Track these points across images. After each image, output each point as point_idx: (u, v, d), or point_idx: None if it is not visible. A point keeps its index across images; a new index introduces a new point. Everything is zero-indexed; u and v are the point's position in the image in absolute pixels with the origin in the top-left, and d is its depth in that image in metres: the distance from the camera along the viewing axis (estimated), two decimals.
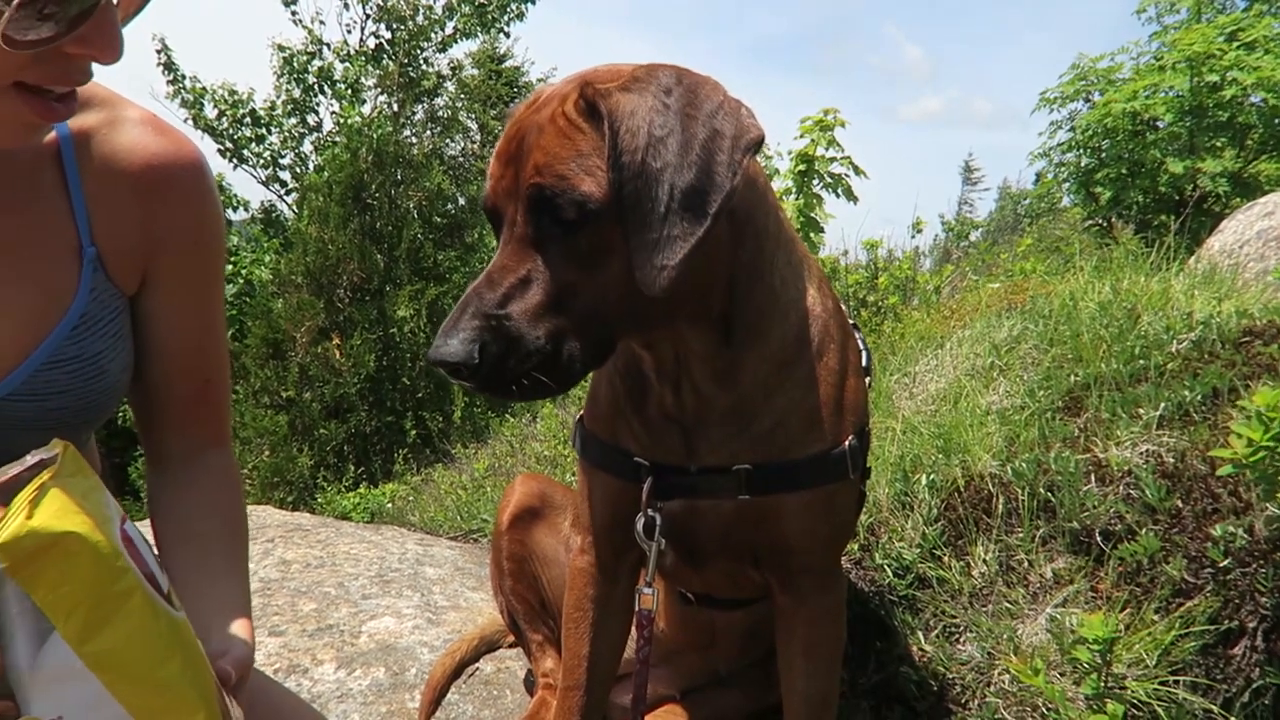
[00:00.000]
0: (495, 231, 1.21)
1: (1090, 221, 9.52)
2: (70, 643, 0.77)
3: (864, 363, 1.50)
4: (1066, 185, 10.98)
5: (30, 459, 0.81)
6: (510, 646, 2.31)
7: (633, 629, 1.67)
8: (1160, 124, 9.49)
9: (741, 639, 1.82)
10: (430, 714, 2.09)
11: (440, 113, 15.28)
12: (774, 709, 1.94)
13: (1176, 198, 9.18)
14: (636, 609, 1.42)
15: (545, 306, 1.13)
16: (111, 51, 0.93)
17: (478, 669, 2.26)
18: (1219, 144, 8.74)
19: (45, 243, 1.12)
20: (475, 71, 17.36)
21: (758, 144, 1.15)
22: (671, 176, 1.09)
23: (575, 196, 1.11)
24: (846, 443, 1.37)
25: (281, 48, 15.67)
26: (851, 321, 1.53)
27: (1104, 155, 10.06)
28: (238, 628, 1.12)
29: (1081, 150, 10.45)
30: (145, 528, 1.19)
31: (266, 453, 7.50)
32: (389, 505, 5.56)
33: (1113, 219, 8.70)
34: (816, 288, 1.39)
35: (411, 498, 5.36)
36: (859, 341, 1.51)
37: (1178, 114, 9.01)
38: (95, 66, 0.97)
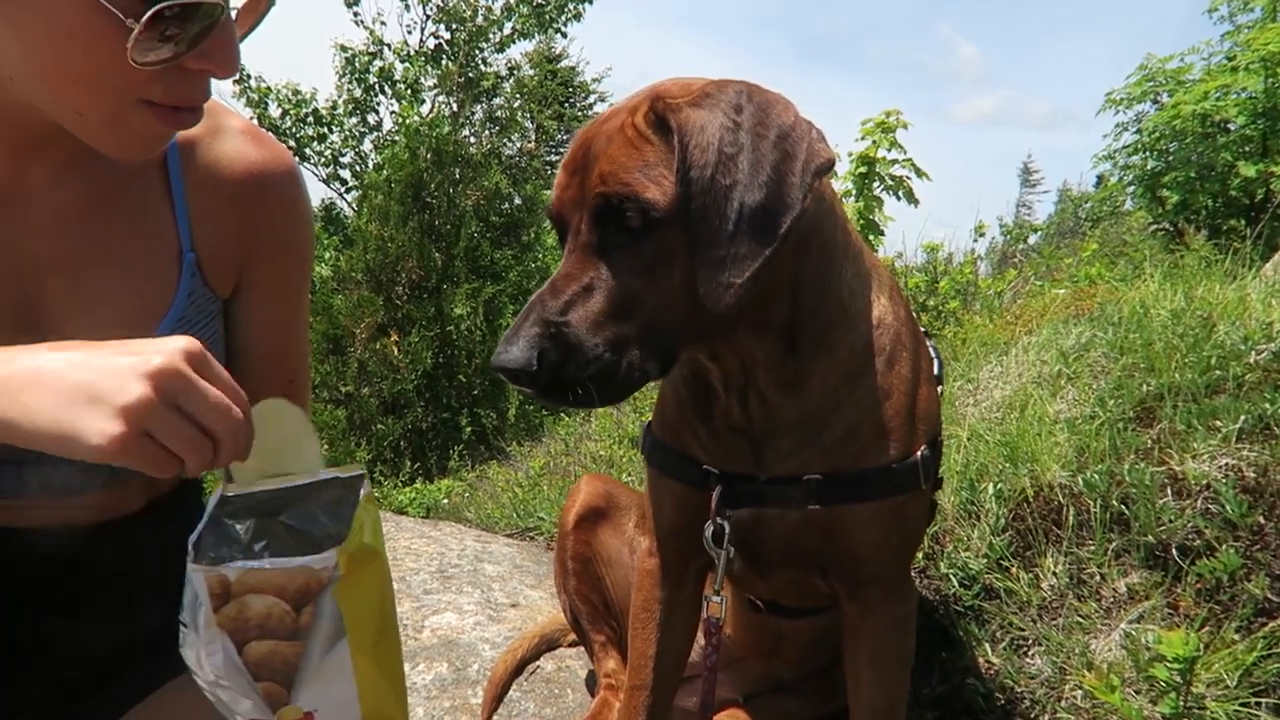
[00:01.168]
0: (560, 240, 1.22)
1: (1156, 226, 9.28)
2: (352, 652, 0.85)
3: (936, 371, 1.49)
4: (1131, 189, 10.71)
5: (342, 473, 0.95)
6: (571, 645, 2.32)
7: (699, 635, 1.67)
8: (1232, 126, 9.20)
9: (806, 647, 1.81)
10: (493, 710, 2.12)
11: (498, 113, 15.39)
12: (835, 716, 1.93)
13: (1248, 202, 8.92)
14: (704, 616, 1.42)
15: (607, 314, 1.13)
16: (229, 67, 0.96)
17: (539, 667, 2.28)
18: None
19: (147, 248, 1.16)
20: (532, 72, 17.48)
21: (828, 168, 1.15)
22: (741, 194, 1.10)
23: (640, 203, 1.11)
24: (919, 453, 1.35)
25: (344, 48, 15.92)
26: (923, 329, 1.52)
27: (1172, 158, 9.79)
28: None
29: (1148, 153, 10.18)
30: None
31: (326, 447, 7.63)
32: (445, 501, 5.63)
33: (1180, 223, 8.47)
34: (888, 296, 1.38)
35: (467, 494, 5.42)
36: (931, 349, 1.49)
37: (1251, 116, 8.74)
38: None
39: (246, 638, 0.82)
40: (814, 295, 1.28)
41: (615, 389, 1.15)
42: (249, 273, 1.25)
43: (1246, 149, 9.07)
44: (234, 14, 0.96)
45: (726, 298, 1.10)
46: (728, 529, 1.36)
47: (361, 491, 0.94)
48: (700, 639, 1.69)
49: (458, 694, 2.18)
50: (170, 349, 0.83)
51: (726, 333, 1.25)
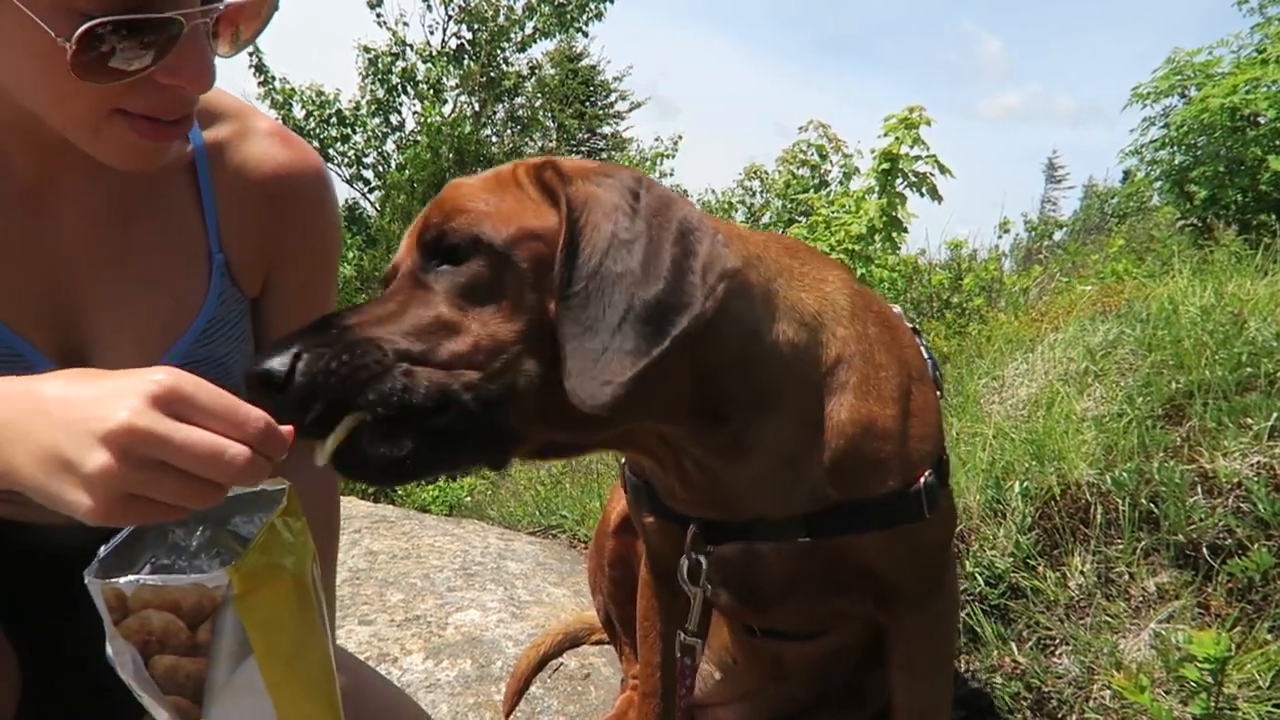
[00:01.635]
0: None
1: (1184, 221, 9.17)
2: (261, 668, 0.84)
3: (932, 373, 1.35)
4: (1158, 184, 10.57)
5: (268, 485, 0.91)
6: (595, 643, 2.32)
7: (715, 671, 1.65)
8: (1262, 119, 9.08)
9: (815, 669, 1.70)
10: (514, 705, 2.12)
11: (520, 112, 15.45)
12: None
13: (1278, 196, 8.79)
14: (678, 655, 1.36)
15: (408, 334, 0.97)
16: (200, 81, 0.96)
17: (563, 664, 2.28)
18: None
19: (178, 250, 1.17)
20: (553, 71, 17.52)
21: (732, 274, 1.04)
22: (632, 286, 0.97)
23: (468, 229, 1.01)
24: (921, 480, 1.22)
25: (366, 49, 16.03)
26: (911, 326, 1.41)
27: (1200, 152, 9.66)
28: None
29: (1176, 147, 10.05)
30: None
31: None
32: (468, 499, 5.65)
33: (1209, 219, 8.36)
34: (847, 325, 1.22)
35: (490, 492, 5.44)
36: (923, 349, 1.36)
37: None
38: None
39: (150, 651, 0.81)
40: (738, 373, 1.14)
41: (415, 462, 0.95)
42: (276, 273, 1.26)
43: (1277, 143, 8.94)
44: (210, 25, 0.94)
45: (602, 396, 0.94)
46: (704, 565, 1.26)
47: (279, 506, 0.90)
48: (716, 673, 1.67)
49: (481, 690, 2.19)
50: (135, 397, 0.74)
51: (595, 426, 1.06)
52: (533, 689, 2.18)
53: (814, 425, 1.18)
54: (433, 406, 0.94)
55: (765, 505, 1.21)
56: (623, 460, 1.44)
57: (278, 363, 0.89)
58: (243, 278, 1.22)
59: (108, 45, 0.87)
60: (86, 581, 0.79)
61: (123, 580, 0.79)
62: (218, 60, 0.99)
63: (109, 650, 0.81)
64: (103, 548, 0.83)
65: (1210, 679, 1.46)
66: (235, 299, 1.22)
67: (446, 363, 0.96)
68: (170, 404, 0.75)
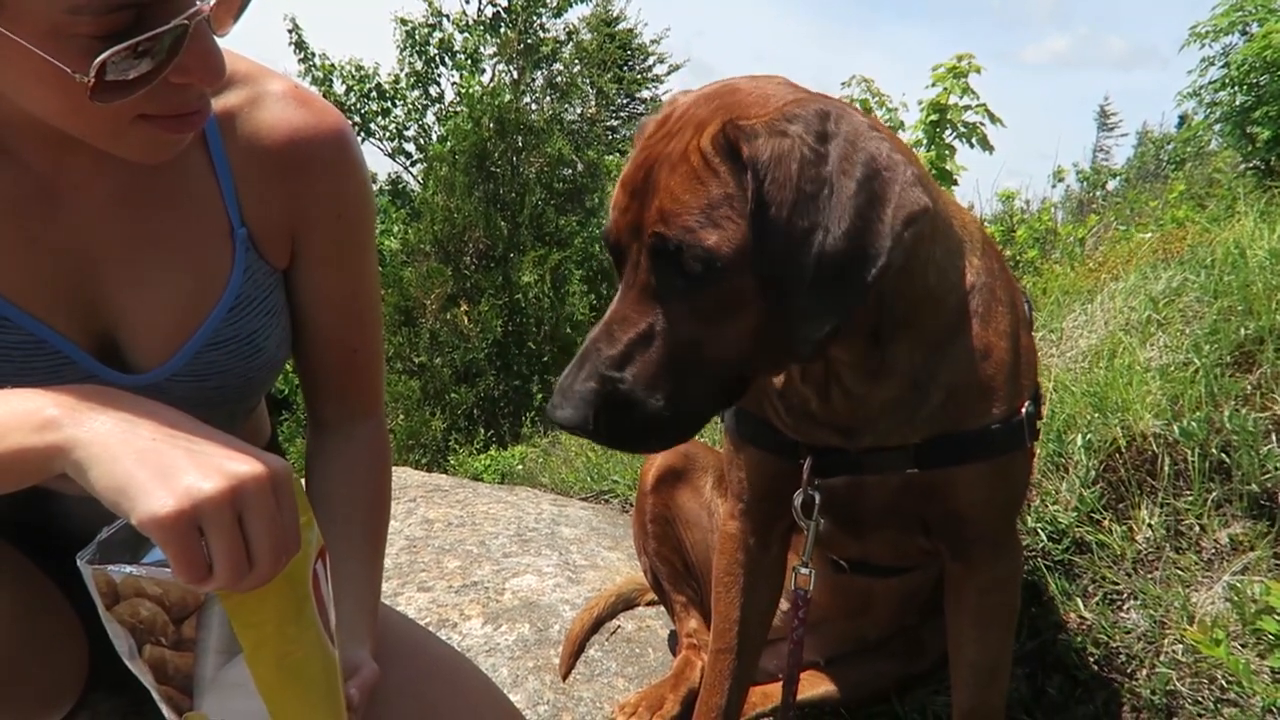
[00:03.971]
0: (618, 267, 1.13)
1: (1246, 165, 8.85)
2: (251, 667, 0.83)
3: (1029, 314, 1.40)
4: (1218, 127, 10.20)
5: None
6: (649, 605, 2.33)
7: (783, 602, 1.65)
8: None
9: (896, 605, 1.77)
10: (570, 666, 2.13)
11: (558, 78, 15.36)
12: (920, 677, 1.89)
13: None
14: (793, 588, 1.38)
15: (665, 365, 1.06)
16: (210, 75, 0.94)
17: (619, 627, 2.29)
18: None
19: (198, 228, 1.14)
20: (590, 36, 17.36)
21: (922, 215, 1.03)
22: (821, 241, 0.98)
23: (700, 252, 1.01)
24: (1023, 409, 1.27)
25: (403, 21, 16.03)
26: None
27: (1263, 91, 9.30)
28: (364, 635, 1.14)
29: (1236, 87, 9.67)
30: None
31: (401, 416, 7.78)
32: (519, 467, 5.69)
33: (1273, 160, 8.06)
34: (979, 256, 1.26)
35: (541, 459, 5.47)
36: (1024, 296, 1.41)
37: None
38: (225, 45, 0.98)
39: (141, 639, 0.81)
40: (897, 289, 1.16)
41: (678, 434, 1.12)
42: (303, 242, 1.22)
43: None
44: (209, 18, 0.92)
45: (804, 350, 1.04)
46: (818, 500, 1.31)
47: None
48: (784, 604, 1.67)
49: (540, 654, 2.20)
50: (266, 463, 0.80)
51: (805, 364, 1.20)
52: (590, 651, 2.19)
53: (942, 349, 1.22)
54: (694, 415, 1.12)
55: (888, 430, 1.26)
56: None
57: (582, 418, 1.05)
58: (269, 249, 1.19)
59: (122, 69, 0.86)
60: (79, 564, 0.79)
61: (111, 567, 0.79)
62: (227, 40, 0.97)
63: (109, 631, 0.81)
64: (104, 529, 0.83)
65: None
66: (263, 272, 1.19)
67: (703, 382, 1.09)
68: (278, 486, 0.81)
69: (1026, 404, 1.28)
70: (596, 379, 1.06)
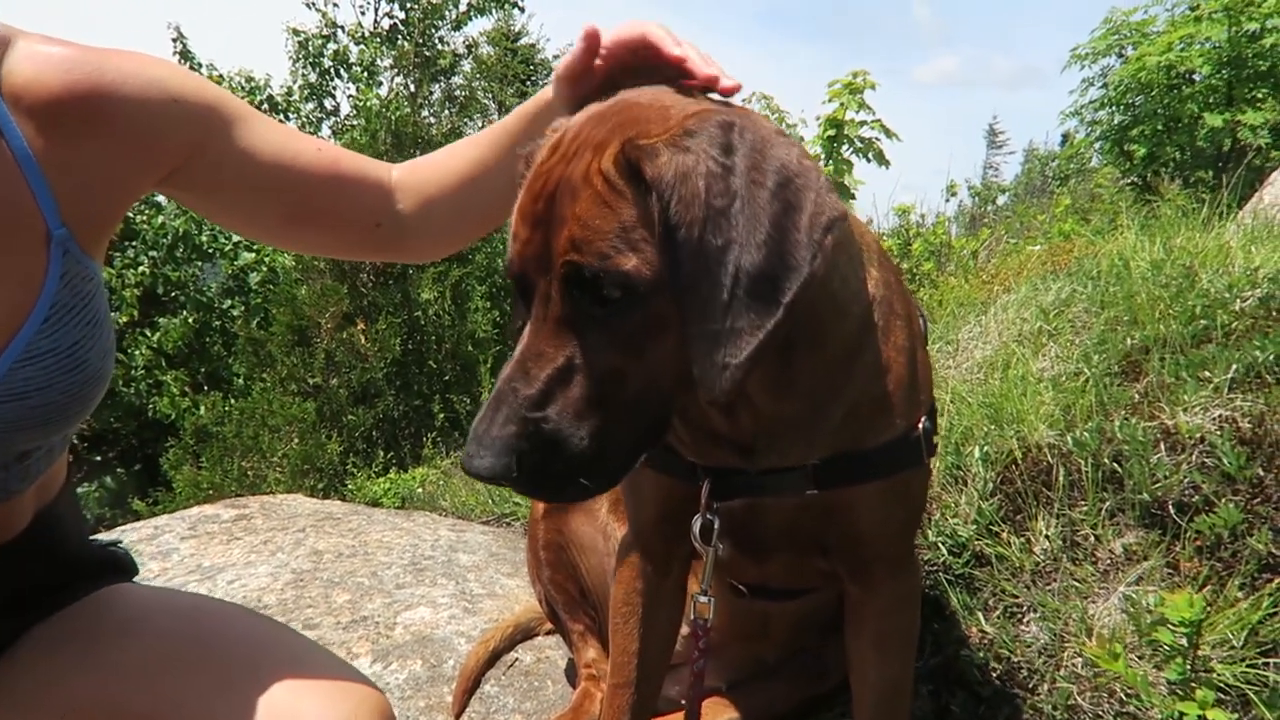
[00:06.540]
0: (524, 300, 1.05)
1: (1125, 180, 9.28)
2: None
3: (923, 327, 1.38)
4: (1098, 144, 10.70)
5: None
6: (548, 634, 2.24)
7: (684, 630, 1.58)
8: (1197, 76, 9.20)
9: (795, 627, 1.73)
10: (464, 705, 2.03)
11: (457, 92, 15.15)
12: (824, 699, 1.85)
13: (1215, 152, 8.92)
14: (691, 617, 1.32)
15: (588, 400, 0.99)
16: None
17: (517, 659, 2.19)
18: (1259, 95, 8.45)
19: (7, 236, 1.02)
20: (491, 50, 17.20)
21: (841, 221, 0.98)
22: (736, 257, 0.92)
23: (618, 277, 0.95)
24: (920, 425, 1.25)
25: (296, 32, 15.59)
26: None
27: (1138, 111, 9.80)
28: None
29: (1114, 107, 10.17)
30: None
31: (295, 440, 7.48)
32: (419, 490, 5.51)
33: (1149, 176, 8.47)
34: (878, 267, 1.23)
35: (442, 482, 5.30)
36: (919, 308, 1.39)
37: (1215, 65, 8.74)
38: None
39: None
40: (808, 301, 1.08)
41: (608, 477, 1.05)
42: (181, 174, 1.15)
43: (1212, 99, 9.08)
44: None
45: (724, 380, 0.94)
46: (717, 524, 1.25)
47: None
48: (685, 628, 1.61)
49: (433, 692, 2.09)
50: None
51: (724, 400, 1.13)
52: (486, 687, 2.09)
53: (845, 363, 1.19)
54: (622, 452, 1.05)
55: (788, 449, 1.21)
56: None
57: (504, 466, 0.96)
58: (94, 238, 1.08)
59: None
60: None
61: None
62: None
63: None
64: None
65: (1185, 642, 1.41)
66: (82, 277, 1.07)
67: (628, 415, 1.02)
68: None
69: (923, 420, 1.26)
70: (516, 422, 0.97)
